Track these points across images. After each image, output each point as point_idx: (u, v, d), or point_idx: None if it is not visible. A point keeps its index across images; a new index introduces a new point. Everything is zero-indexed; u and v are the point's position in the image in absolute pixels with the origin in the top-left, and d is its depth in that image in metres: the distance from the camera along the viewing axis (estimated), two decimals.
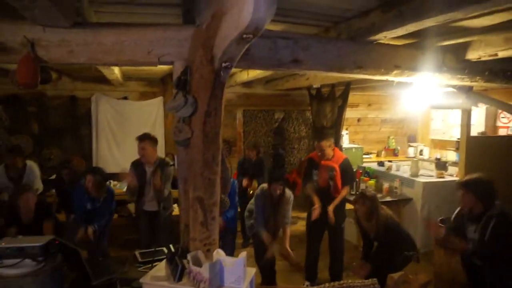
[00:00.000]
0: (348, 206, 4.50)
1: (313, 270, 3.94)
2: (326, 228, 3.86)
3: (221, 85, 2.23)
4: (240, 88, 6.74)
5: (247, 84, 6.56)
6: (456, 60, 3.02)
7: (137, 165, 3.97)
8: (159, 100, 6.38)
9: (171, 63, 2.45)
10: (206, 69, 2.17)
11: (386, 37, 2.62)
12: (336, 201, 3.76)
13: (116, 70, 4.53)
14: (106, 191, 3.87)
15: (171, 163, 4.21)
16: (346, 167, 3.82)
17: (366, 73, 2.93)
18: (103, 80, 5.61)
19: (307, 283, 3.89)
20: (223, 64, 2.08)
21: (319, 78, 5.14)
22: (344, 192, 3.87)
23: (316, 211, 3.71)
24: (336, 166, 3.75)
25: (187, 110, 2.20)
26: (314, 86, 6.23)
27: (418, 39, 2.97)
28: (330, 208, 3.67)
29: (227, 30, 1.80)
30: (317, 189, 3.86)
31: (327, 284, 2.10)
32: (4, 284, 1.92)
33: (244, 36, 1.67)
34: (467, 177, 2.92)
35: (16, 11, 1.85)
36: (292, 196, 3.78)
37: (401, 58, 2.95)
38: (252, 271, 2.20)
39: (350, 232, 5.07)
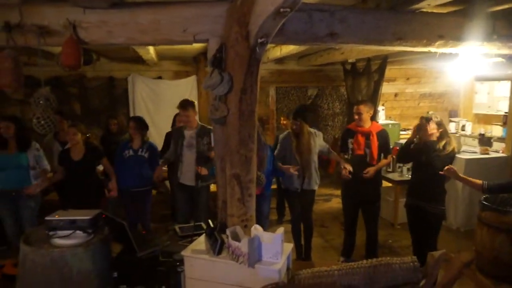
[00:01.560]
0: (385, 183, 4.41)
1: (349, 246, 3.94)
2: (360, 205, 3.81)
3: (257, 62, 2.21)
4: (272, 65, 6.65)
5: (280, 60, 6.45)
6: (509, 26, 2.80)
7: (175, 132, 4.10)
8: (192, 79, 6.44)
9: (206, 40, 2.45)
10: (241, 46, 2.15)
11: (430, 4, 2.46)
12: (378, 166, 3.67)
13: (151, 50, 4.59)
14: (146, 142, 4.10)
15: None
16: (384, 136, 3.73)
17: (406, 44, 2.78)
18: (139, 60, 5.71)
19: (342, 259, 3.90)
20: (259, 40, 2.05)
21: (355, 52, 4.95)
22: (385, 161, 3.79)
23: (345, 170, 3.64)
24: (374, 132, 3.67)
25: (223, 88, 2.21)
26: (349, 60, 6.03)
27: (465, 5, 2.77)
28: (371, 170, 3.58)
29: (263, 5, 1.76)
30: (352, 158, 3.77)
31: (364, 261, 2.09)
32: (59, 253, 2.06)
33: (281, 10, 1.63)
34: None
35: None
36: (316, 132, 3.93)
37: (446, 27, 2.76)
38: (289, 246, 2.24)
39: (387, 210, 4.99)
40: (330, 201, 6.12)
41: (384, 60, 5.74)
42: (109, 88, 6.35)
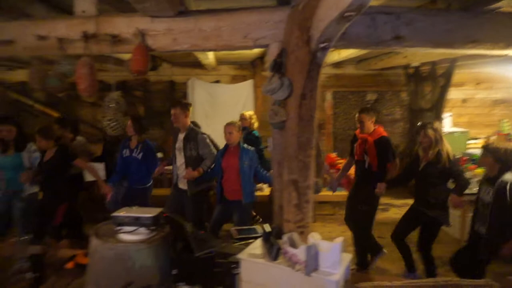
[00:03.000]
0: None
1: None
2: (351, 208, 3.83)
3: (317, 67, 2.17)
4: (330, 69, 6.53)
5: (338, 64, 6.32)
6: None
7: (174, 133, 4.01)
8: (249, 83, 6.53)
9: (266, 46, 2.46)
10: (302, 51, 2.13)
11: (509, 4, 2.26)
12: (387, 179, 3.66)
13: (211, 55, 4.74)
14: (142, 142, 4.07)
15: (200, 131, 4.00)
16: (381, 143, 3.66)
17: (481, 48, 2.57)
18: (198, 65, 5.93)
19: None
20: (320, 45, 2.01)
21: (419, 55, 4.69)
22: (391, 169, 3.74)
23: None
24: (370, 139, 3.64)
25: (282, 92, 2.20)
26: (412, 64, 5.73)
27: None
28: (381, 186, 3.53)
29: (327, 9, 1.73)
30: (355, 163, 3.86)
31: (430, 280, 1.96)
32: (124, 247, 2.18)
33: (346, 14, 1.59)
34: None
35: (128, 5, 2.04)
36: None
37: None
38: (348, 257, 2.16)
39: (453, 225, 4.64)
40: (388, 211, 5.83)
41: (452, 64, 5.38)
42: (170, 92, 6.66)
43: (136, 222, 2.29)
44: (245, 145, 3.69)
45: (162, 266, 2.35)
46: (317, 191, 2.80)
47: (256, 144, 4.75)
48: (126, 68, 2.47)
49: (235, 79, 6.72)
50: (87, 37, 2.31)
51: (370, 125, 3.71)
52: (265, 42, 2.40)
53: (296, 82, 2.20)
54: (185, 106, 3.81)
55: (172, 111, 3.76)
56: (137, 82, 6.51)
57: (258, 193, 4.48)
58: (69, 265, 2.55)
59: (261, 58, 6.10)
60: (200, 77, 6.57)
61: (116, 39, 2.33)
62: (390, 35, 2.41)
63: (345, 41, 2.38)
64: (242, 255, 2.24)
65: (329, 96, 6.86)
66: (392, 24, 2.40)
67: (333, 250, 2.01)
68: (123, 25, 2.36)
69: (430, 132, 3.24)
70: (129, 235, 2.28)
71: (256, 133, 5.05)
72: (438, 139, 3.24)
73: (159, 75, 6.47)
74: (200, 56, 4.41)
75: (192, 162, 3.68)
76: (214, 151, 3.82)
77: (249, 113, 5.15)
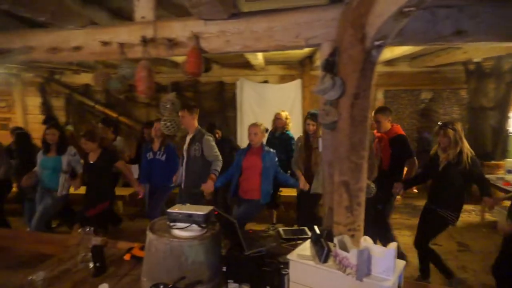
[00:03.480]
0: None
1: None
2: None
3: (372, 66, 2.10)
4: (381, 67, 6.30)
5: (390, 62, 6.08)
6: None
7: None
8: (297, 83, 6.50)
9: (318, 45, 2.43)
10: (356, 49, 2.07)
11: None
12: (404, 179, 3.63)
13: (260, 55, 4.78)
14: (165, 145, 4.28)
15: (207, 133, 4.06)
16: (396, 142, 3.64)
17: None
18: (247, 65, 6.01)
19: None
20: (375, 43, 1.94)
21: (482, 50, 4.38)
22: (409, 168, 3.70)
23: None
24: (385, 137, 3.62)
25: (334, 92, 2.16)
26: (474, 60, 5.35)
27: None
28: (398, 186, 3.52)
29: (384, 5, 1.66)
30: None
31: None
32: (177, 243, 2.27)
33: (405, 9, 1.52)
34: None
35: (183, 9, 2.12)
36: None
37: None
38: (402, 264, 2.07)
39: None
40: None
41: None
42: (220, 92, 6.82)
43: (189, 219, 2.36)
44: (267, 147, 3.76)
45: (212, 262, 2.40)
46: (369, 193, 2.71)
47: (289, 144, 4.76)
48: (181, 70, 2.57)
49: (283, 79, 6.72)
50: (145, 41, 2.43)
51: (386, 124, 3.75)
52: (317, 41, 2.37)
53: (348, 82, 2.14)
54: (192, 109, 3.92)
55: (180, 114, 3.79)
56: (188, 83, 6.75)
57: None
58: (126, 257, 2.69)
59: (309, 57, 6.04)
60: (249, 77, 6.66)
61: (172, 43, 2.43)
62: (451, 30, 2.27)
63: (401, 38, 2.28)
64: (291, 256, 2.22)
65: (380, 95, 6.62)
66: (453, 18, 2.26)
67: (387, 255, 1.93)
68: (179, 29, 2.45)
69: (450, 132, 3.19)
70: (182, 231, 2.35)
71: (290, 133, 5.02)
72: (458, 139, 3.20)
73: (209, 76, 6.64)
74: (250, 56, 4.46)
75: (193, 162, 3.79)
76: (218, 153, 3.88)
77: (285, 113, 5.15)
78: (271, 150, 3.75)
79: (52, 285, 2.23)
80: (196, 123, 3.96)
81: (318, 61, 5.02)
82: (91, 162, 4.02)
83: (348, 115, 2.18)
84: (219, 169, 3.77)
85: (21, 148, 4.37)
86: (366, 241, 2.02)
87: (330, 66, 2.19)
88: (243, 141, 6.64)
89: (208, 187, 3.66)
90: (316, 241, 2.19)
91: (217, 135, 4.97)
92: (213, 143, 3.88)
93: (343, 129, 2.24)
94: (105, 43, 2.53)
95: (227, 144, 4.95)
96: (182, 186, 3.95)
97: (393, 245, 1.95)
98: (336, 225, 2.39)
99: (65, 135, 4.34)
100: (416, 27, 2.26)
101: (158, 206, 4.35)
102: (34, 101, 7.52)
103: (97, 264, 2.45)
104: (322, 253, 2.10)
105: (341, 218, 2.36)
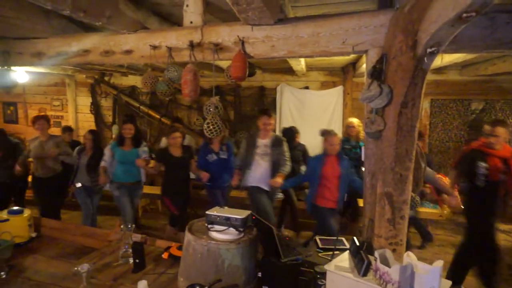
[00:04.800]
0: None
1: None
2: None
3: (423, 74, 2.02)
4: (428, 75, 5.97)
5: (438, 69, 5.81)
6: None
7: (250, 139, 4.17)
8: (339, 90, 6.38)
9: (365, 51, 2.37)
10: (406, 56, 2.00)
11: None
12: None
13: (302, 61, 4.74)
14: (224, 143, 4.40)
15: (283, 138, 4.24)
16: None
17: None
18: (288, 71, 5.99)
19: None
20: (428, 50, 1.86)
21: None
22: None
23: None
24: (509, 156, 3.21)
25: (381, 100, 2.09)
26: None
27: None
28: None
29: (441, 10, 1.59)
30: (483, 185, 3.27)
31: None
32: (215, 245, 2.29)
33: (464, 15, 1.44)
34: None
35: (229, 14, 2.15)
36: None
37: None
38: (448, 284, 1.95)
39: None
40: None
41: None
42: (260, 97, 6.85)
43: (227, 222, 2.38)
44: (343, 155, 3.83)
45: (248, 267, 2.40)
46: (413, 207, 2.59)
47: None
48: (226, 75, 2.60)
49: (324, 85, 6.63)
50: (192, 45, 2.49)
51: (504, 142, 3.32)
52: (364, 48, 2.31)
53: (397, 90, 2.07)
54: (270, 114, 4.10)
55: (270, 121, 4.00)
56: (229, 87, 6.84)
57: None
58: (164, 255, 2.75)
59: (353, 63, 5.91)
60: (290, 82, 6.63)
61: (218, 47, 2.47)
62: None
63: (456, 45, 2.17)
64: (328, 267, 2.17)
65: (426, 104, 6.34)
66: None
67: (432, 273, 1.83)
68: (225, 34, 2.49)
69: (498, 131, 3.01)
70: (220, 234, 2.37)
71: (362, 144, 4.93)
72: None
73: (250, 80, 6.70)
74: (293, 62, 4.44)
75: (276, 166, 3.90)
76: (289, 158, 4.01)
77: (357, 120, 5.00)
78: (346, 157, 3.85)
79: (94, 277, 2.33)
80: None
81: (362, 67, 4.90)
82: (176, 155, 4.29)
83: (394, 125, 2.10)
84: (288, 170, 3.95)
85: (96, 146, 4.69)
86: (410, 257, 1.93)
87: (377, 73, 2.12)
88: None
89: (277, 181, 3.76)
90: (356, 253, 2.12)
91: None
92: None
93: (388, 139, 2.16)
94: (154, 47, 2.63)
95: None
96: (267, 188, 4.02)
97: (439, 263, 1.85)
98: (377, 238, 2.31)
99: (140, 130, 4.71)
100: (473, 34, 2.15)
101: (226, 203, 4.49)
102: (85, 101, 7.96)
103: (137, 261, 2.52)
104: (362, 266, 2.03)
105: (383, 231, 2.27)
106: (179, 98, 7.13)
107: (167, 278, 2.46)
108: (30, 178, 4.95)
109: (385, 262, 1.98)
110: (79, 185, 4.56)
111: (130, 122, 4.44)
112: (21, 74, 5.04)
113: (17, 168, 4.59)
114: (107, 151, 4.43)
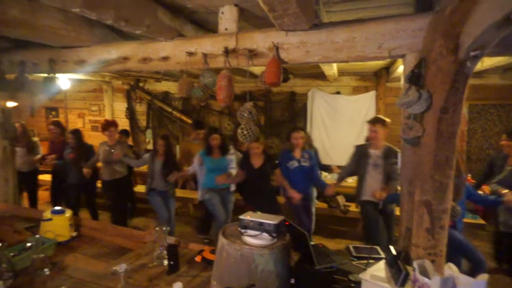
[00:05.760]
0: None
1: None
2: None
3: (465, 78, 1.95)
4: None
5: (478, 74, 5.58)
6: None
7: (360, 149, 3.99)
8: (371, 95, 6.26)
9: (402, 56, 2.32)
10: (446, 60, 1.94)
11: None
12: None
13: (335, 66, 4.70)
14: (306, 150, 4.27)
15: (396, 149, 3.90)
16: None
17: None
18: (319, 76, 5.95)
19: None
20: (471, 53, 1.80)
21: None
22: None
23: None
24: None
25: (420, 106, 2.03)
26: None
27: None
28: None
29: (486, 12, 1.53)
30: None
31: None
32: (249, 250, 2.29)
33: None
34: None
35: (263, 21, 2.16)
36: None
37: None
38: None
39: None
40: None
41: None
42: (291, 102, 6.84)
43: (260, 227, 2.38)
44: None
45: (281, 273, 2.38)
46: (453, 216, 2.49)
47: None
48: (260, 80, 2.62)
49: (356, 90, 6.52)
50: (227, 52, 2.54)
51: None
52: (401, 52, 2.26)
53: (436, 95, 2.00)
54: (385, 124, 3.82)
55: (372, 128, 3.80)
56: (260, 92, 6.87)
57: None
58: (198, 258, 2.78)
59: (386, 68, 5.79)
60: (321, 88, 6.58)
61: (252, 53, 2.50)
62: None
63: (501, 48, 2.06)
64: (364, 275, 2.12)
65: (464, 109, 6.09)
66: None
67: (475, 287, 1.74)
68: (260, 40, 2.52)
69: None
70: (253, 239, 2.37)
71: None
72: None
73: (281, 86, 6.63)
74: (325, 67, 4.41)
75: (388, 178, 3.73)
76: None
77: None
78: None
79: (131, 277, 2.40)
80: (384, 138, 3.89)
81: (397, 72, 4.79)
82: (256, 167, 4.27)
83: (434, 131, 2.04)
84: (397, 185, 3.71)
85: (168, 151, 4.85)
86: (451, 269, 1.85)
87: (416, 78, 2.07)
88: None
89: (381, 195, 3.63)
90: (392, 262, 2.06)
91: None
92: None
93: (427, 145, 2.09)
94: (190, 54, 2.70)
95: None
96: (362, 197, 3.88)
97: (483, 277, 1.76)
98: (415, 248, 2.24)
99: (225, 137, 4.76)
100: None
101: (310, 217, 4.42)
102: (121, 106, 8.27)
103: (171, 263, 2.57)
104: (399, 276, 1.97)
105: (421, 241, 2.20)
106: (211, 103, 7.25)
107: (200, 281, 2.49)
108: (99, 183, 5.25)
109: (425, 273, 1.92)
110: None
111: (215, 132, 4.50)
112: (63, 81, 5.31)
113: (85, 170, 4.81)
114: (196, 159, 4.57)
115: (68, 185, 5.08)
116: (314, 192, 4.57)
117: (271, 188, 4.42)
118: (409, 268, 2.00)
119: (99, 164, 5.06)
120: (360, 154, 3.89)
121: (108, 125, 4.87)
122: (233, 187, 4.69)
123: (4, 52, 3.57)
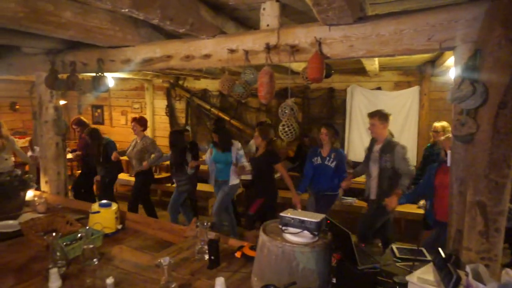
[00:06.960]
0: None
1: None
2: None
3: None
4: None
5: None
6: None
7: (370, 144, 3.95)
8: (414, 90, 6.01)
9: (453, 48, 2.19)
10: (505, 51, 1.81)
11: None
12: None
13: (376, 60, 4.55)
14: (335, 149, 4.21)
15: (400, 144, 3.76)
16: None
17: None
18: (359, 71, 5.79)
19: None
20: None
21: None
22: None
23: None
24: None
25: (474, 100, 1.91)
26: None
27: None
28: None
29: None
30: None
31: None
32: (290, 247, 2.28)
33: None
34: None
35: (305, 15, 2.11)
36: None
37: None
38: None
39: None
40: None
41: None
42: (329, 99, 6.72)
43: (301, 225, 2.35)
44: None
45: (322, 272, 2.35)
46: (510, 219, 2.33)
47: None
48: (302, 76, 2.59)
49: (398, 86, 6.29)
50: (269, 48, 2.52)
51: None
52: (453, 44, 2.14)
53: (493, 88, 1.88)
54: (384, 117, 3.73)
55: (370, 121, 3.74)
56: (298, 89, 6.81)
57: None
58: (238, 254, 2.80)
59: (430, 62, 5.52)
60: (361, 83, 6.41)
61: (294, 49, 2.47)
62: None
63: None
64: (410, 278, 2.04)
65: None
66: None
67: None
68: (302, 35, 2.48)
69: None
70: (294, 237, 2.36)
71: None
72: None
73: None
74: (366, 62, 4.28)
75: (386, 174, 3.62)
76: (412, 167, 3.62)
77: (442, 124, 4.59)
78: None
79: (174, 270, 2.46)
80: (386, 132, 3.80)
81: (444, 65, 4.55)
82: (256, 156, 4.58)
83: (490, 127, 1.91)
84: (407, 184, 3.57)
85: (194, 145, 5.24)
86: (509, 275, 1.73)
87: (470, 71, 1.95)
88: (350, 149, 6.42)
89: (392, 202, 3.46)
90: (442, 266, 1.96)
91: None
92: (407, 156, 3.66)
93: (482, 143, 1.97)
94: (231, 51, 2.71)
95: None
96: (370, 196, 3.83)
97: None
98: (466, 251, 2.12)
99: (229, 134, 5.07)
100: None
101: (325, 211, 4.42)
102: (161, 104, 8.52)
103: (212, 257, 2.60)
104: (450, 280, 1.87)
105: (473, 244, 2.08)
106: (248, 100, 7.28)
107: (240, 276, 2.50)
108: (121, 176, 5.67)
109: (478, 278, 1.81)
110: None
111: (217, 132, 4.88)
112: (109, 80, 5.59)
113: (115, 154, 5.23)
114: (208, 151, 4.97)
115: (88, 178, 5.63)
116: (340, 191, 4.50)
117: (266, 181, 4.43)
118: (460, 272, 1.90)
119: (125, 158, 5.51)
120: (369, 149, 3.81)
121: (132, 121, 5.35)
122: (237, 180, 4.83)
123: (57, 53, 3.79)
